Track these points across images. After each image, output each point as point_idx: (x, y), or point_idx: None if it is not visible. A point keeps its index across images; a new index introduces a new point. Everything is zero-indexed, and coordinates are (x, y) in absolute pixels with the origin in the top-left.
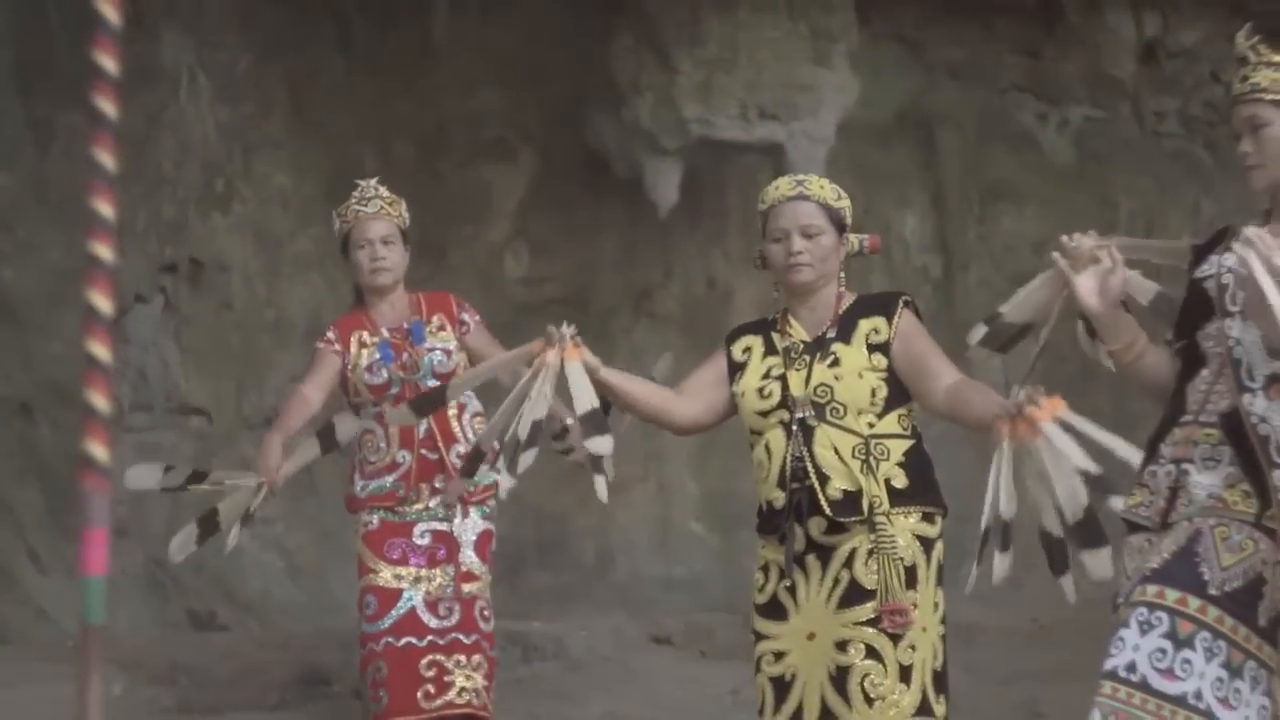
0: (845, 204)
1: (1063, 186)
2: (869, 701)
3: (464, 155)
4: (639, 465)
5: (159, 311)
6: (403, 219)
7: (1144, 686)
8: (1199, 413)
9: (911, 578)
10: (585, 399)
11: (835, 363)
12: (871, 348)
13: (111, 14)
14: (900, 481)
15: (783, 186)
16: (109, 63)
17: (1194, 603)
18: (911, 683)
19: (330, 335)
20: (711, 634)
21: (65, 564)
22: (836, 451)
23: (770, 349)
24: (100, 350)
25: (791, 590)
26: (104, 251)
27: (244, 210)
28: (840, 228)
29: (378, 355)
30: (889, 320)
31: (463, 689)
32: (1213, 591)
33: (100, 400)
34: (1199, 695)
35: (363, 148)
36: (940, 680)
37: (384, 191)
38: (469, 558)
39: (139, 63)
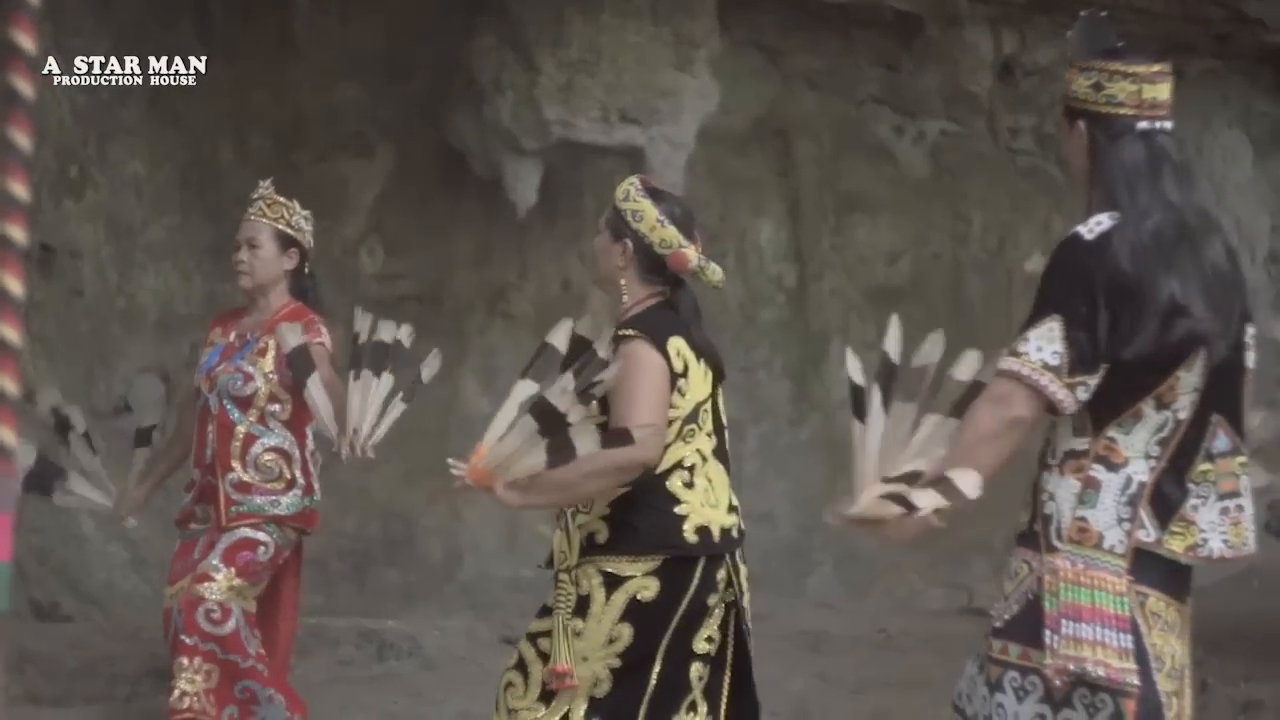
0: (629, 207)
1: (917, 198)
2: (509, 712)
3: (321, 149)
4: None
5: None
6: (284, 221)
7: None
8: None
9: (583, 607)
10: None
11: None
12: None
13: None
14: (603, 535)
15: None
16: (27, 42)
17: (995, 644)
18: (552, 707)
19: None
20: None
21: None
22: None
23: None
24: (10, 333)
25: None
26: (16, 232)
27: (97, 197)
28: (617, 232)
29: (206, 359)
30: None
31: (183, 693)
32: (997, 625)
33: (9, 383)
34: None
35: (219, 138)
36: (602, 707)
37: (268, 193)
38: (210, 562)
39: None
